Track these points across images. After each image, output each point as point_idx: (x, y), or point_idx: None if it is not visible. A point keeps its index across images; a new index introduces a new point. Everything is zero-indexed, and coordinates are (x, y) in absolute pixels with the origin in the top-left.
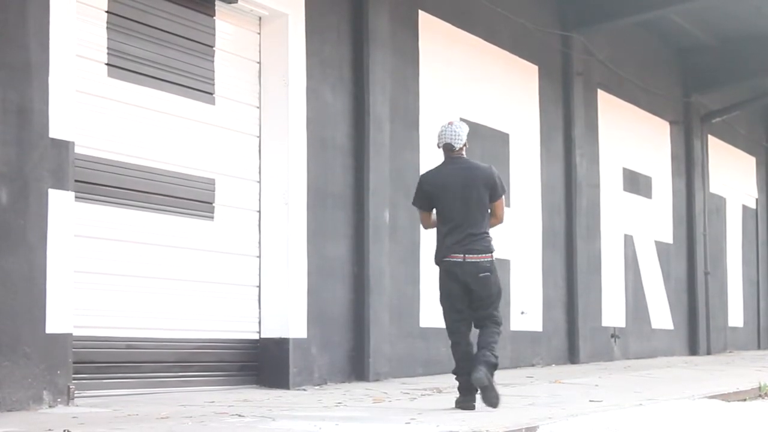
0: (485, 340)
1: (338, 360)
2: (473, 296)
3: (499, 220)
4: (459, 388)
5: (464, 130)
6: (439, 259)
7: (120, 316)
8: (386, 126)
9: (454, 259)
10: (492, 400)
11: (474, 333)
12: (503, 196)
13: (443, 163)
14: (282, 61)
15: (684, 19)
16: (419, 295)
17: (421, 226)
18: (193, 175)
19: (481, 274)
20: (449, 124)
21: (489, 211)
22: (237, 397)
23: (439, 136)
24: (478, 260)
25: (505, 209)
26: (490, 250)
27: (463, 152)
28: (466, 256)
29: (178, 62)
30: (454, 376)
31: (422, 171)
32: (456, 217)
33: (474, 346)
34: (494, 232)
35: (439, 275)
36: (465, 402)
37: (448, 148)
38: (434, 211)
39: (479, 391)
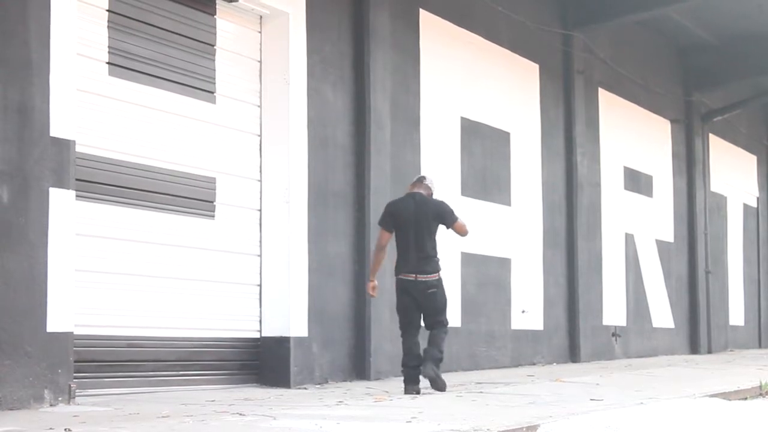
0: (434, 339)
1: (339, 358)
2: (423, 307)
3: (464, 234)
4: (404, 380)
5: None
6: (396, 275)
7: (121, 314)
8: (387, 124)
9: (407, 278)
10: (440, 386)
11: (423, 335)
12: (458, 220)
13: (405, 196)
14: (283, 59)
15: (685, 18)
16: None
17: (376, 244)
18: (194, 173)
19: (429, 291)
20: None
21: (436, 238)
22: (238, 395)
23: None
24: (427, 279)
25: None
26: (436, 270)
27: (422, 190)
28: (418, 276)
29: (179, 61)
30: (402, 368)
31: (423, 169)
32: (410, 241)
33: (419, 345)
34: (494, 231)
35: (396, 289)
36: (410, 389)
37: (418, 180)
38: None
39: (430, 382)
